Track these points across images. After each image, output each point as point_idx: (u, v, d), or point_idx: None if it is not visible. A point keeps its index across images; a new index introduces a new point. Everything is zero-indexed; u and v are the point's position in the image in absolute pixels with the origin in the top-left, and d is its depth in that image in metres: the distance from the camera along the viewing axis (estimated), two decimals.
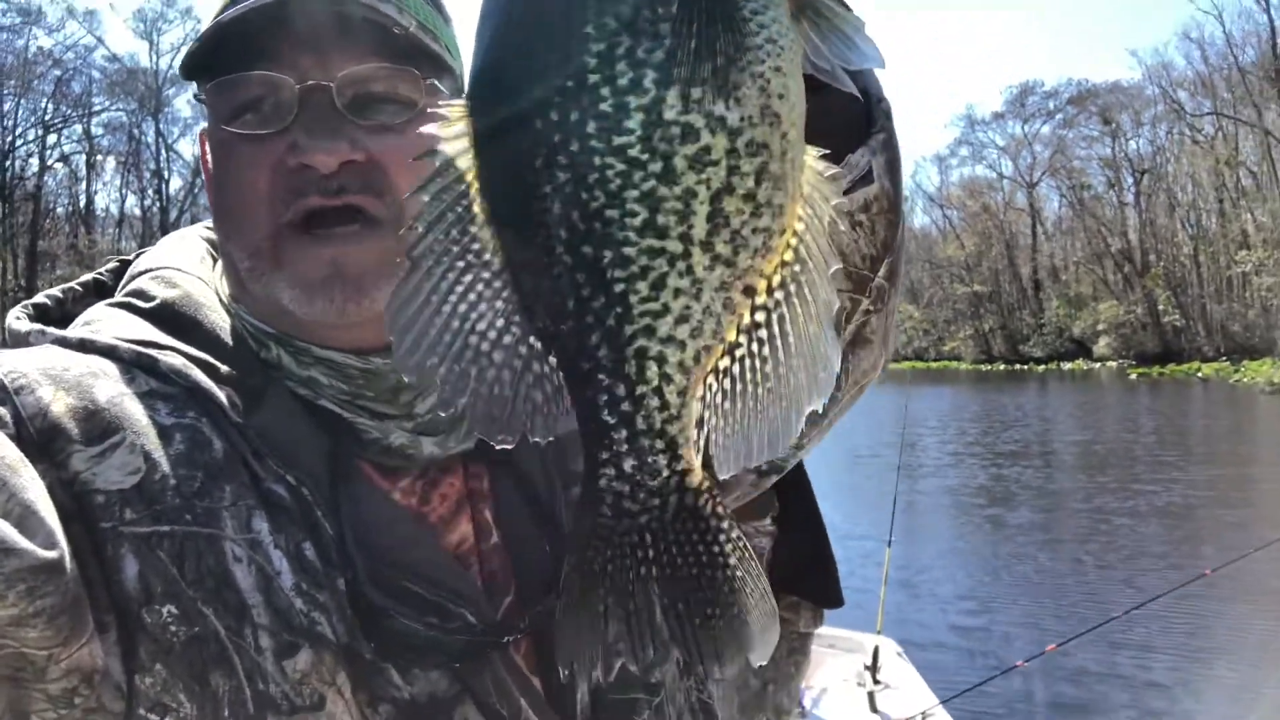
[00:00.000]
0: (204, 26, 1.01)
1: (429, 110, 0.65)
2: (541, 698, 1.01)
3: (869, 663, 6.34)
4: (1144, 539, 13.72)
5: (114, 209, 67.22)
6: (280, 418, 0.99)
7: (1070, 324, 75.01)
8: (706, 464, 0.70)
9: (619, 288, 0.64)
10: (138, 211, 66.50)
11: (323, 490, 0.97)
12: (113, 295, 1.11)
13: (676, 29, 0.61)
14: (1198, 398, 41.71)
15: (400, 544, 1.00)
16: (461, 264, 0.65)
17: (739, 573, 0.70)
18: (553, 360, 0.68)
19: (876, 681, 6.25)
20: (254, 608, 0.90)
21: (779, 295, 0.68)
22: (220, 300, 1.08)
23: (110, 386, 0.95)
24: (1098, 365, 69.02)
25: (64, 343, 1.00)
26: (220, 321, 1.05)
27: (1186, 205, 72.18)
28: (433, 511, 1.05)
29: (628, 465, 0.68)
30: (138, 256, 1.16)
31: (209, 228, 1.18)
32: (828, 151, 0.68)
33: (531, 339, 0.67)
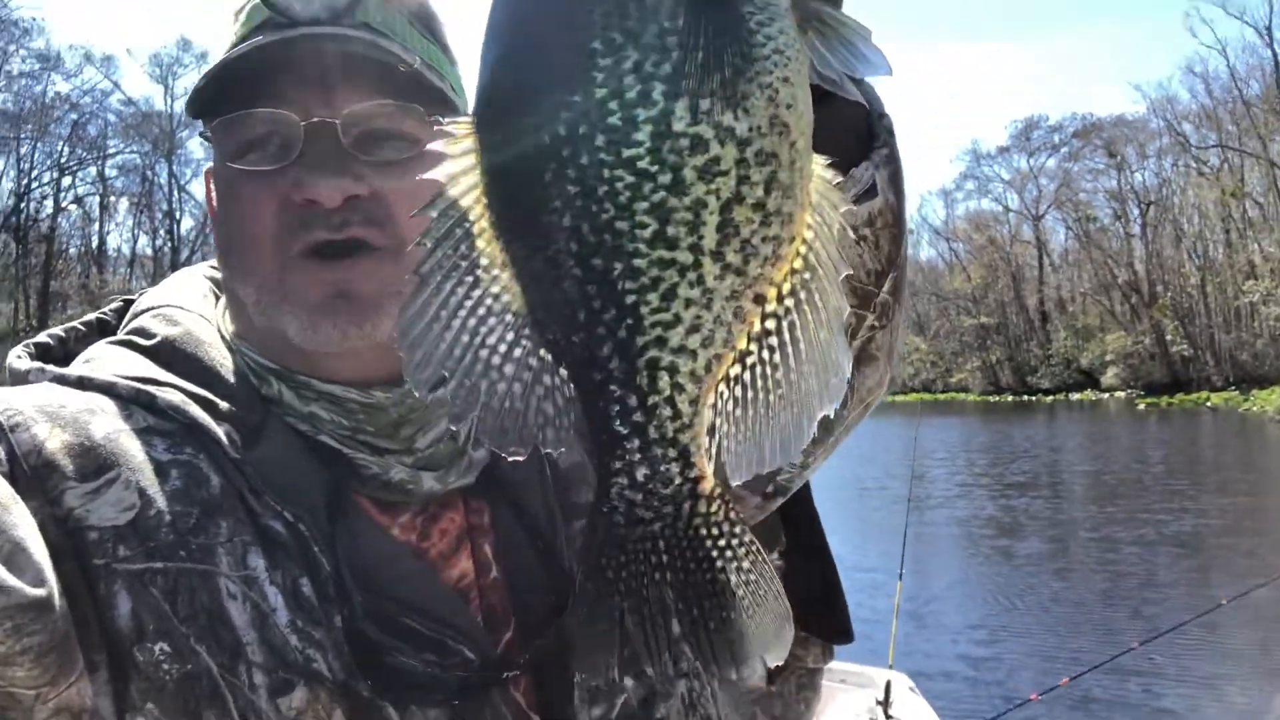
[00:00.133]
0: (210, 65, 1.02)
1: (435, 126, 0.66)
2: None
3: (881, 698, 6.24)
4: (1155, 568, 13.58)
5: (126, 249, 67.94)
6: (279, 453, 0.99)
7: (1078, 355, 74.80)
8: (719, 471, 0.71)
9: (630, 299, 0.65)
10: (149, 252, 67.11)
11: (321, 526, 0.96)
12: (115, 334, 1.11)
13: (684, 42, 0.62)
14: (1207, 427, 41.45)
15: (399, 580, 0.99)
16: (470, 279, 0.66)
17: (753, 575, 0.71)
18: (564, 372, 0.68)
19: (889, 717, 6.15)
20: (248, 645, 0.89)
21: (789, 302, 0.69)
22: (222, 337, 1.08)
23: (107, 423, 0.95)
24: (1106, 396, 68.71)
25: (63, 380, 1.01)
26: (221, 358, 1.05)
27: (1193, 236, 72.25)
28: (432, 547, 1.05)
29: (640, 474, 0.69)
30: (141, 295, 1.17)
31: (213, 266, 1.19)
32: (835, 160, 0.69)
33: (542, 351, 0.67)
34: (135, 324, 1.10)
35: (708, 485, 0.70)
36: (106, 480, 0.91)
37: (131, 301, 1.17)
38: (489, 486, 1.10)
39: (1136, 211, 75.21)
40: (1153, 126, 73.38)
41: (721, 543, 0.70)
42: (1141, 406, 58.10)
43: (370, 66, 0.99)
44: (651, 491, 0.69)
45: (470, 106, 0.67)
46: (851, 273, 0.70)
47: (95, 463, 0.92)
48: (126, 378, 1.00)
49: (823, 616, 1.41)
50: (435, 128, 0.65)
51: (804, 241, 0.70)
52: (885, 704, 6.18)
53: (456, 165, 0.65)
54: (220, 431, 0.97)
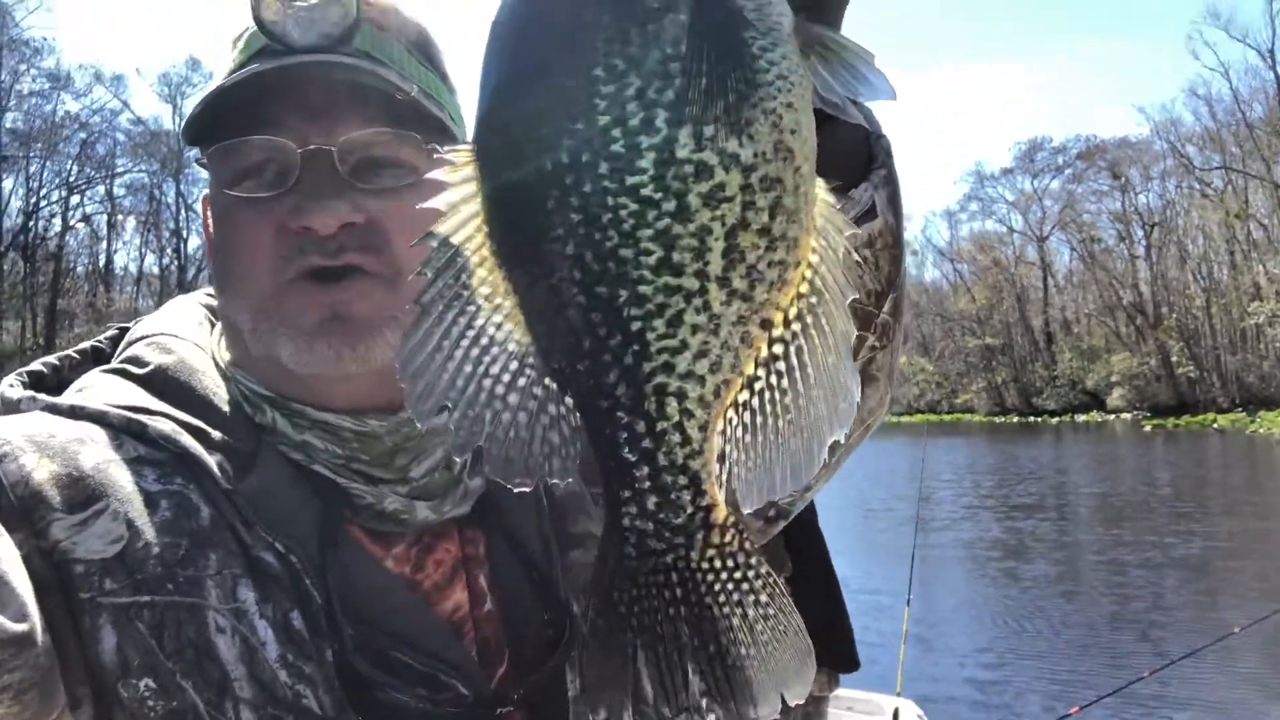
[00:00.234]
0: (206, 92, 1.02)
1: (434, 154, 0.65)
2: None
3: None
4: (1162, 591, 13.47)
5: (133, 268, 68.25)
6: (271, 483, 0.98)
7: (1083, 376, 74.67)
8: (729, 499, 0.70)
9: (636, 326, 0.64)
10: (156, 270, 67.43)
11: (312, 557, 0.95)
12: (110, 362, 1.11)
13: (687, 68, 0.62)
14: (1214, 449, 41.26)
15: (392, 612, 0.98)
16: (472, 308, 0.65)
17: (771, 609, 0.69)
18: (569, 400, 0.67)
19: None
20: (236, 680, 0.88)
21: (796, 327, 0.68)
22: (217, 365, 1.07)
23: (96, 453, 0.94)
24: (1112, 417, 68.53)
25: (54, 409, 1.00)
26: (214, 386, 1.04)
27: (1198, 258, 72.29)
28: (426, 578, 1.03)
29: (650, 503, 0.68)
30: (136, 323, 1.16)
31: (209, 294, 1.18)
32: (839, 184, 0.69)
33: (546, 380, 0.67)
34: (129, 352, 1.09)
35: (720, 514, 0.69)
36: (94, 511, 0.90)
37: (126, 329, 1.17)
38: (484, 516, 1.08)
39: (1141, 233, 75.38)
40: (1156, 148, 73.76)
41: (738, 575, 0.69)
42: (1148, 428, 57.87)
43: (368, 94, 0.99)
44: (663, 521, 0.68)
45: (469, 134, 0.67)
46: (857, 296, 0.70)
47: (83, 494, 0.91)
48: (118, 406, 0.99)
49: (829, 646, 1.40)
50: (435, 156, 0.65)
51: (809, 266, 0.69)
52: None
53: (457, 193, 0.64)
54: (212, 461, 0.96)
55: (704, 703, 0.68)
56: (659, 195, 0.62)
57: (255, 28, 1.00)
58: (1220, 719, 8.51)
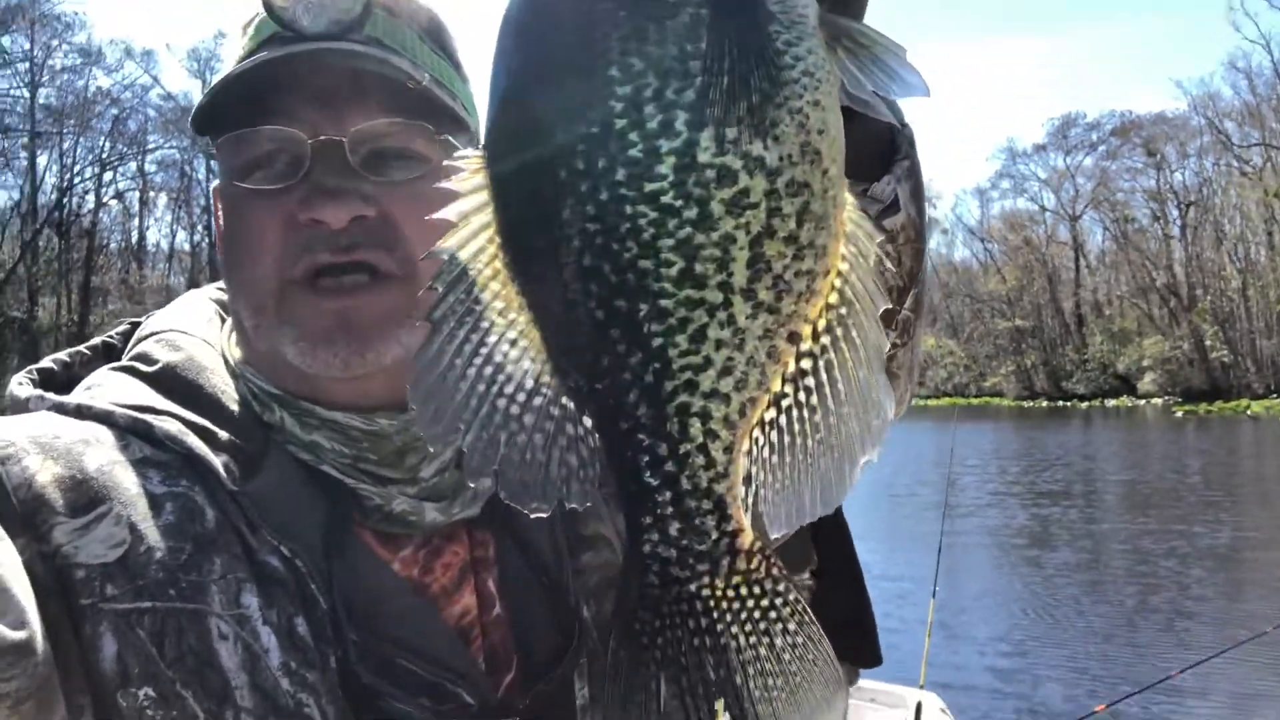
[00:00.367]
0: (215, 80, 1.00)
1: (444, 163, 0.62)
2: None
3: (911, 719, 6.15)
4: (1190, 582, 13.30)
5: (164, 244, 69.00)
6: (278, 485, 0.96)
7: (1114, 360, 73.80)
8: (756, 523, 0.67)
9: (657, 342, 0.61)
10: (187, 247, 68.15)
11: (318, 561, 0.93)
12: (121, 358, 1.10)
13: (707, 67, 0.58)
14: (1247, 436, 40.67)
15: (398, 618, 0.97)
16: (485, 324, 0.62)
17: (799, 638, 0.66)
18: (587, 421, 0.64)
19: None
20: (237, 689, 0.86)
21: (825, 340, 0.65)
22: (227, 363, 1.06)
23: (101, 454, 0.93)
24: (1143, 402, 67.73)
25: (61, 409, 0.99)
26: (223, 385, 1.03)
27: (1234, 238, 71.00)
28: (435, 582, 1.02)
29: (674, 529, 0.65)
30: (147, 319, 1.15)
31: (220, 288, 1.17)
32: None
33: (564, 399, 0.64)
34: (138, 349, 1.08)
35: (746, 539, 0.66)
36: (97, 515, 0.89)
37: (138, 324, 1.16)
38: (494, 518, 1.06)
39: (1176, 212, 74.14)
40: (1193, 124, 72.20)
41: (765, 602, 0.66)
42: (1179, 414, 57.15)
43: (379, 83, 0.97)
44: (686, 548, 0.65)
45: (482, 124, 0.64)
46: (890, 306, 0.66)
47: (86, 496, 0.89)
48: (125, 406, 0.98)
49: (852, 640, 1.38)
50: (445, 165, 0.62)
51: (839, 274, 0.66)
52: None
53: (467, 203, 0.61)
54: (218, 463, 0.95)
55: None
56: (679, 202, 0.59)
57: (265, 14, 0.98)
58: (1245, 711, 8.41)
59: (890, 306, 0.67)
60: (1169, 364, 69.12)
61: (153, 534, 0.89)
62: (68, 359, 1.12)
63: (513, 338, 0.63)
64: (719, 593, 0.66)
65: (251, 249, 0.98)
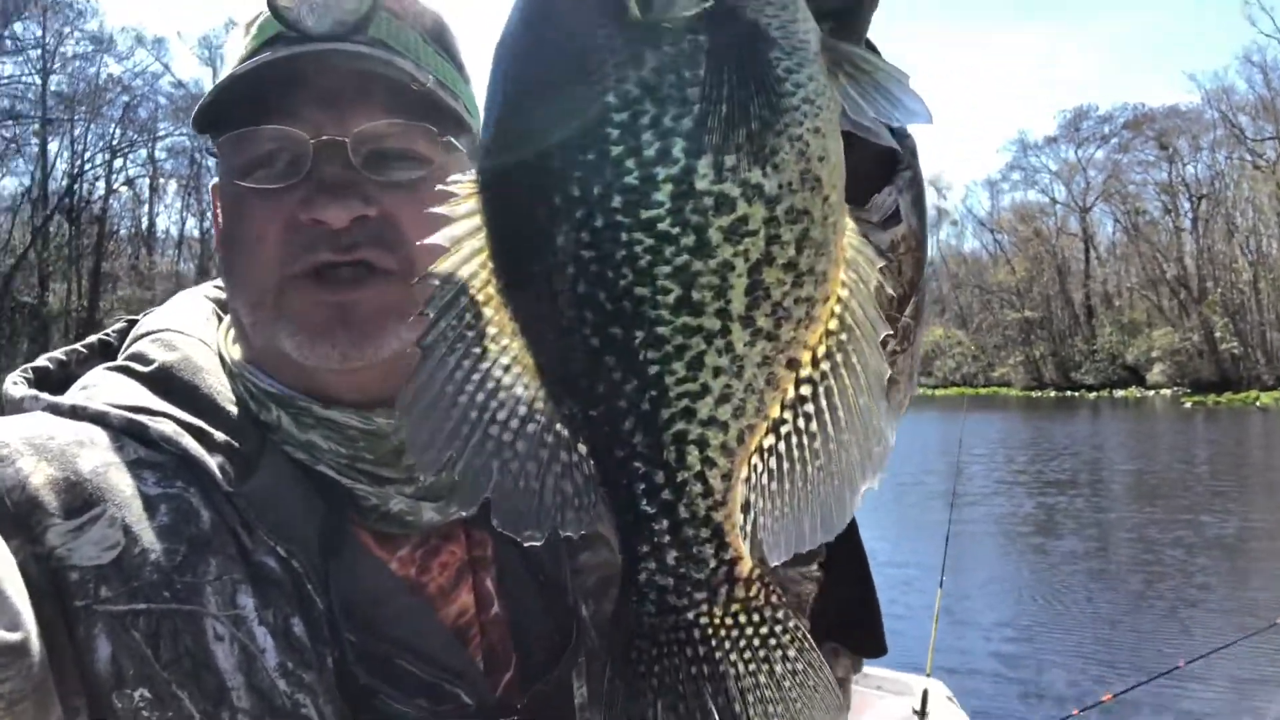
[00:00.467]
0: (219, 79, 1.00)
1: (442, 174, 0.61)
2: None
3: (918, 707, 6.16)
4: (1196, 572, 13.28)
5: (174, 231, 69.06)
6: (274, 485, 0.96)
7: (1123, 351, 73.45)
8: (755, 551, 0.66)
9: (653, 369, 0.60)
10: (196, 233, 68.16)
11: (315, 562, 0.93)
12: (117, 357, 1.09)
13: (706, 94, 0.57)
14: (1257, 428, 40.45)
15: (395, 618, 0.96)
16: (477, 350, 0.62)
17: (800, 665, 0.66)
18: (582, 448, 0.64)
19: None
20: (234, 690, 0.86)
21: (825, 366, 0.65)
22: (224, 362, 1.06)
23: (96, 456, 0.93)
24: (1151, 393, 67.43)
25: (56, 409, 0.99)
26: (218, 385, 1.02)
27: (1246, 231, 70.49)
28: (432, 581, 1.02)
29: (671, 557, 0.64)
30: (144, 316, 1.15)
31: (217, 286, 1.17)
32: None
33: (557, 426, 0.63)
34: (134, 349, 1.07)
35: (745, 567, 0.66)
36: (91, 517, 0.89)
37: (135, 322, 1.15)
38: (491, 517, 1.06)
39: (1187, 205, 73.59)
40: (1207, 118, 71.63)
41: (764, 630, 0.66)
42: (1188, 405, 56.88)
43: (382, 84, 0.97)
44: (684, 576, 0.65)
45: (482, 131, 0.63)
46: (890, 332, 0.66)
47: (80, 498, 0.89)
48: (120, 407, 0.97)
49: (857, 630, 1.37)
50: (438, 189, 0.61)
51: (839, 300, 0.65)
52: (922, 713, 6.10)
53: (460, 228, 0.61)
54: (213, 464, 0.95)
55: None
56: (677, 230, 0.59)
57: (269, 14, 0.98)
58: (1251, 701, 8.39)
59: (890, 332, 0.66)
60: (1178, 355, 68.81)
61: (147, 536, 0.89)
62: (64, 357, 1.12)
63: (506, 364, 0.62)
64: (717, 621, 0.65)
65: (251, 247, 0.98)
